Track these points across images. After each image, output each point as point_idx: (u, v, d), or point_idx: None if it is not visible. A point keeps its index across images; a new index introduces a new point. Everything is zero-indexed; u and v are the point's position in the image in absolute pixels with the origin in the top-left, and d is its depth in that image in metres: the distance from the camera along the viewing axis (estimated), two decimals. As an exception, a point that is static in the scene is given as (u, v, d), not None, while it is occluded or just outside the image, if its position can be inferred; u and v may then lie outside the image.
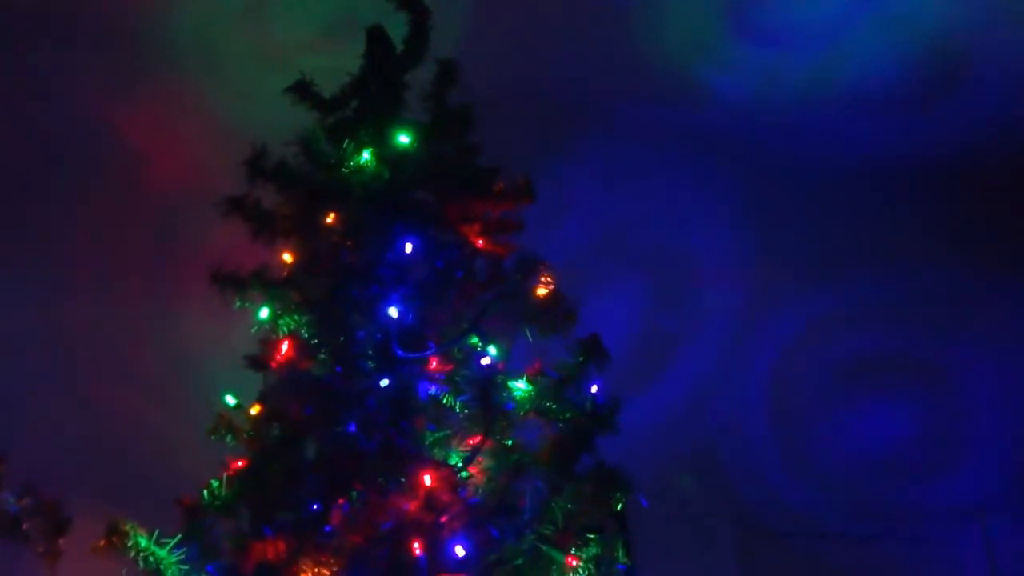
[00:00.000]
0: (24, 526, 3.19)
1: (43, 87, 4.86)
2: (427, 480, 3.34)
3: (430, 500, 3.27)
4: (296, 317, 3.67)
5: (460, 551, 3.22)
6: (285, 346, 3.66)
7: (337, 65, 3.92)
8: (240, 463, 3.50)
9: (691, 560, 3.44)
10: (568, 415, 3.50)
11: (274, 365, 3.67)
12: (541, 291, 3.63)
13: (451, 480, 3.29)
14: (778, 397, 4.78)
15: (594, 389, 3.57)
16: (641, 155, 4.97)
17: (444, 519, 3.27)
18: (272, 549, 3.40)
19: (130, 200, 4.95)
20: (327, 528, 3.41)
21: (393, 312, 3.58)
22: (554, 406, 3.53)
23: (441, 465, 3.37)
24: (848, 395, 4.97)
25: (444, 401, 3.66)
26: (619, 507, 3.42)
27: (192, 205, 4.89)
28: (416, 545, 3.22)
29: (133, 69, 4.95)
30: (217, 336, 4.46)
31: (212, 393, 4.61)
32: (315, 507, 3.41)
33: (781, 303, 4.90)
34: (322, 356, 3.61)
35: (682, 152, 4.98)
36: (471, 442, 3.52)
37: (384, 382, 3.46)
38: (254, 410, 3.48)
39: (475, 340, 3.62)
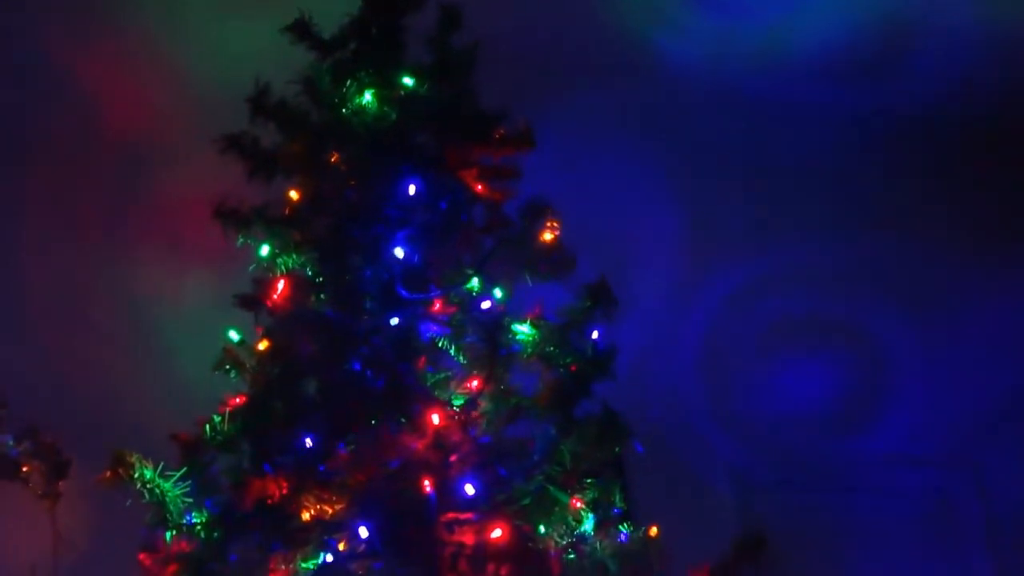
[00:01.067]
0: (24, 469, 3.12)
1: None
2: (435, 419, 3.33)
3: (439, 439, 3.26)
4: (295, 256, 3.63)
5: (470, 490, 3.22)
6: (281, 285, 3.61)
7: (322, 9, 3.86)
8: (239, 399, 3.45)
9: (688, 505, 3.47)
10: (568, 360, 3.50)
11: (269, 304, 3.62)
12: (547, 236, 3.64)
13: (461, 419, 3.28)
14: (713, 360, 4.83)
15: (595, 335, 3.58)
16: (582, 121, 4.98)
17: (453, 458, 3.26)
18: (272, 486, 3.36)
19: (88, 147, 4.81)
20: (330, 466, 3.36)
21: (399, 253, 3.55)
22: (555, 350, 3.53)
23: (448, 405, 3.36)
24: (780, 354, 5.04)
25: (442, 344, 3.63)
26: (617, 451, 3.45)
27: (154, 153, 4.84)
28: (426, 483, 3.20)
29: (89, 9, 4.82)
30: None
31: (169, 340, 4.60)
32: (318, 445, 3.35)
33: (717, 269, 4.97)
34: (322, 295, 3.57)
35: (625, 119, 5.00)
36: (469, 385, 3.51)
37: (394, 320, 3.43)
38: (262, 345, 3.42)
39: (477, 283, 3.60)
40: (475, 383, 3.54)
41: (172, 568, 3.42)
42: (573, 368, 3.50)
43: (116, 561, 3.36)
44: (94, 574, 3.22)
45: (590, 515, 3.19)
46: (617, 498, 3.41)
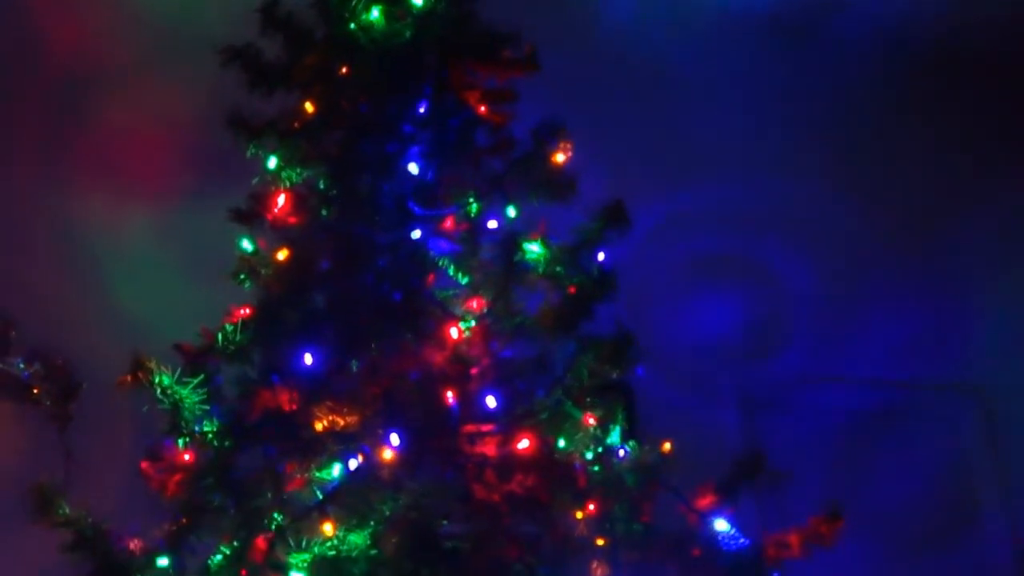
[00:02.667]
0: (34, 391, 3.10)
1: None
2: (453, 333, 3.37)
3: (459, 352, 3.30)
4: (300, 170, 3.63)
5: (491, 402, 3.27)
6: (282, 199, 3.61)
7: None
8: (245, 311, 3.44)
9: (693, 426, 3.55)
10: (575, 280, 3.55)
11: (270, 218, 3.62)
12: (559, 157, 3.67)
13: (482, 333, 3.32)
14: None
15: (600, 256, 3.63)
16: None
17: (474, 371, 3.30)
18: (281, 397, 3.37)
19: (26, 70, 4.72)
20: (344, 378, 3.38)
21: (413, 168, 3.57)
22: (562, 270, 3.57)
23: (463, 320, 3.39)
24: (690, 289, 5.12)
25: (442, 263, 3.66)
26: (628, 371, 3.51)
27: (92, 80, 4.76)
28: (449, 394, 3.24)
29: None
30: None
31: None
32: (331, 356, 3.37)
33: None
34: (325, 210, 3.57)
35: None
36: (470, 305, 3.54)
37: (416, 233, 3.46)
38: (281, 255, 3.42)
39: (488, 202, 3.63)
40: (475, 303, 3.56)
41: (177, 477, 3.40)
42: (573, 290, 3.52)
43: (126, 481, 3.33)
44: (105, 494, 3.20)
45: (616, 429, 3.23)
46: (620, 417, 3.46)
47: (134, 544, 3.17)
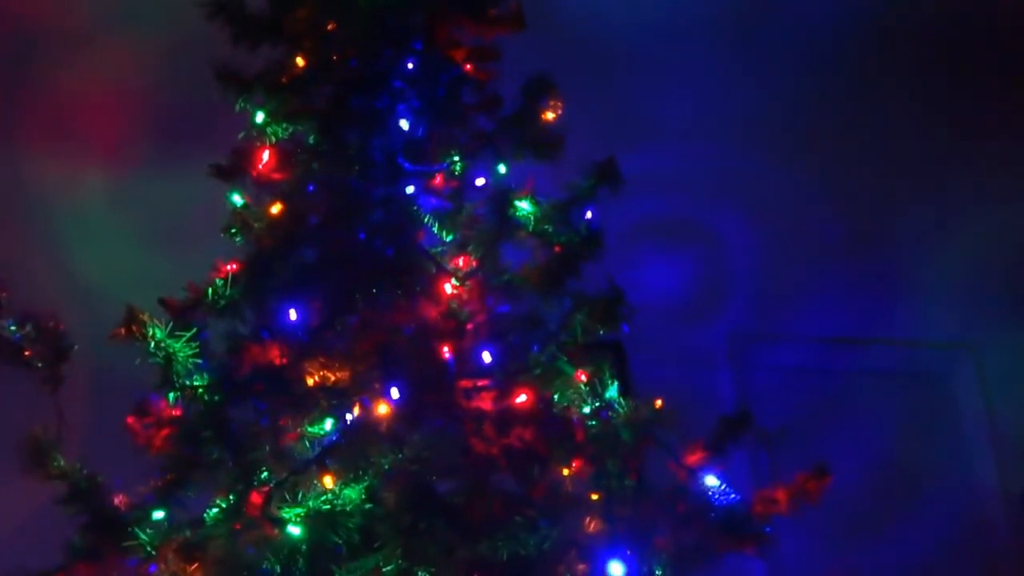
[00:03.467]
0: (26, 353, 3.07)
1: None
2: (448, 288, 3.37)
3: (454, 307, 3.30)
4: (286, 126, 3.61)
5: (487, 358, 3.27)
6: (267, 155, 3.59)
7: None
8: (232, 266, 3.43)
9: (685, 384, 3.59)
10: (563, 239, 3.56)
11: (254, 174, 3.60)
12: (549, 115, 3.68)
13: (478, 288, 3.33)
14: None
15: (588, 215, 3.64)
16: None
17: (470, 326, 3.31)
18: (272, 352, 3.36)
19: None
20: (335, 333, 3.37)
21: (404, 124, 3.56)
22: (551, 228, 3.58)
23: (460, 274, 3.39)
24: (678, 249, 5.16)
25: (427, 220, 3.65)
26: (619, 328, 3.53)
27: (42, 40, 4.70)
28: (445, 349, 3.24)
29: None
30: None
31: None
32: (323, 311, 3.36)
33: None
34: (314, 166, 3.55)
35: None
36: (456, 262, 3.55)
37: (410, 189, 3.45)
38: (275, 208, 3.40)
39: (465, 161, 3.63)
40: (461, 260, 3.56)
41: (164, 432, 3.38)
42: (558, 249, 3.53)
43: (118, 443, 3.31)
44: (97, 456, 3.18)
45: (615, 384, 3.25)
46: (607, 375, 3.48)
47: (124, 500, 3.13)
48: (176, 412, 3.35)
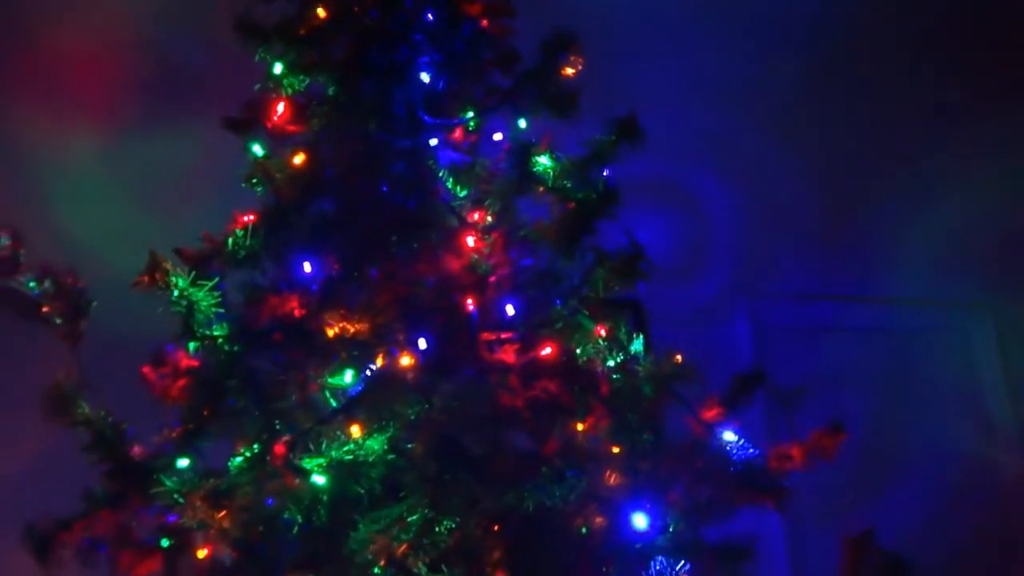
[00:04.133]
0: (44, 309, 3.06)
1: None
2: (470, 241, 3.37)
3: (477, 260, 3.31)
4: (302, 78, 3.59)
5: (510, 310, 3.29)
6: (282, 107, 3.58)
7: None
8: (250, 216, 3.42)
9: (704, 345, 3.59)
10: (580, 195, 3.56)
11: (269, 125, 3.59)
12: (569, 70, 3.67)
13: (502, 241, 3.33)
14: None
15: (605, 172, 3.64)
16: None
17: (492, 279, 3.31)
18: (291, 303, 3.35)
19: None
20: (356, 285, 3.37)
21: (425, 77, 3.55)
22: (569, 184, 3.59)
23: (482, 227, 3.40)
24: (701, 206, 5.16)
25: (442, 175, 3.65)
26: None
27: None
28: (469, 301, 3.25)
29: None
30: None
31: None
32: (343, 263, 3.36)
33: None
34: (316, 119, 3.54)
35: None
36: (474, 216, 3.55)
37: (433, 141, 3.44)
38: (298, 159, 3.39)
39: (483, 115, 3.63)
40: (476, 215, 3.57)
41: (181, 383, 3.38)
42: (571, 205, 3.53)
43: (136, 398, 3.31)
44: (116, 411, 3.18)
45: (640, 338, 3.27)
46: (622, 331, 3.49)
47: (141, 451, 3.13)
48: (193, 363, 3.33)
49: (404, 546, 2.82)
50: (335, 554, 3.05)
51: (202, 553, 2.97)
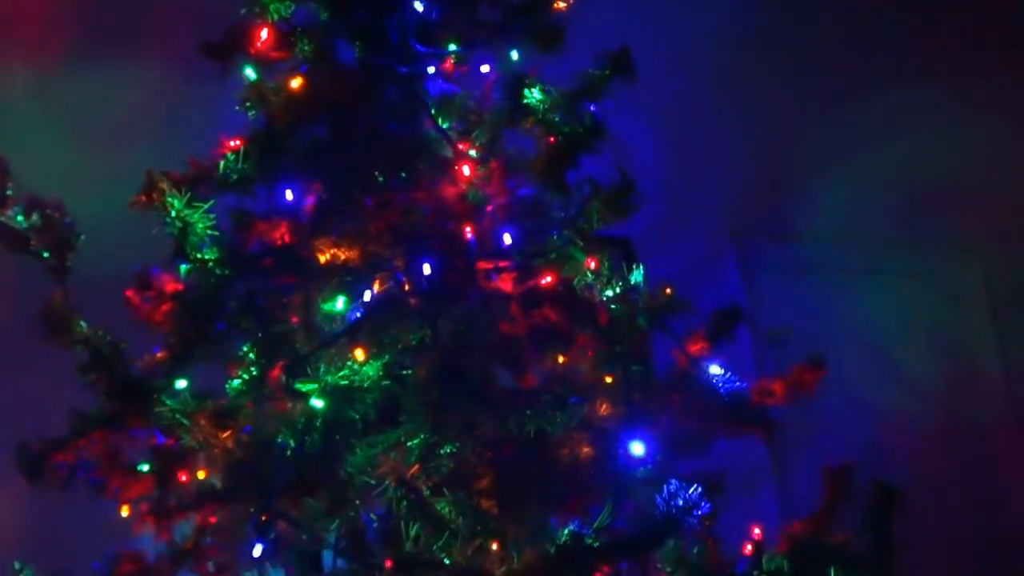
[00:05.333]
0: (32, 243, 3.02)
1: None
2: (466, 171, 3.38)
3: (474, 188, 3.32)
4: (288, 3, 3.56)
5: (508, 239, 3.30)
6: (265, 33, 3.55)
7: None
8: (236, 142, 3.39)
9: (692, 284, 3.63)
10: (567, 129, 3.58)
11: (252, 52, 3.56)
12: (560, 4, 3.68)
13: (500, 171, 3.34)
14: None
15: (592, 107, 3.66)
16: None
17: (489, 208, 3.33)
18: (281, 228, 3.34)
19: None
20: (349, 212, 3.36)
21: (418, 6, 3.54)
22: (558, 118, 3.60)
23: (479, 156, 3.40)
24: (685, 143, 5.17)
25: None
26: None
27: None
28: (467, 229, 3.26)
29: None
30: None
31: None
32: (336, 189, 3.35)
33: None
34: (306, 44, 3.52)
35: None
36: (460, 147, 3.56)
37: (431, 69, 3.44)
38: (295, 83, 3.36)
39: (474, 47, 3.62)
40: (461, 146, 3.57)
41: (165, 307, 3.35)
42: (552, 140, 3.55)
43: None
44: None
45: (640, 269, 3.30)
46: (605, 265, 3.52)
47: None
48: (177, 287, 3.30)
49: (415, 467, 2.82)
50: (327, 478, 3.04)
51: (202, 474, 2.93)
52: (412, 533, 2.74)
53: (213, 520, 3.08)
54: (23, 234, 3.13)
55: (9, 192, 3.13)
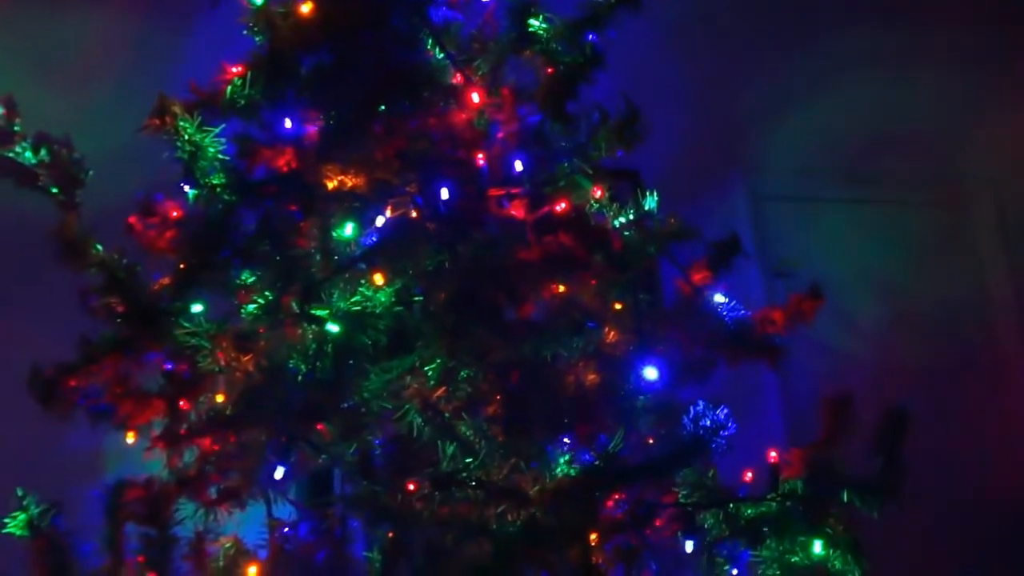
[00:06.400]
0: (41, 178, 3.00)
1: None
2: (475, 97, 3.38)
3: (484, 115, 3.32)
4: None
5: (519, 166, 3.31)
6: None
7: None
8: (237, 68, 3.36)
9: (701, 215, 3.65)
10: (567, 59, 3.58)
11: None
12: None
13: (512, 97, 3.34)
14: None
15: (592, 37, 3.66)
16: None
17: (500, 135, 3.33)
18: (286, 154, 3.33)
19: None
20: (356, 138, 3.35)
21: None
22: (559, 48, 3.60)
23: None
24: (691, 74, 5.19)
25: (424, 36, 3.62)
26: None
27: None
28: (480, 156, 3.27)
29: None
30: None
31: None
32: (343, 113, 3.33)
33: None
34: None
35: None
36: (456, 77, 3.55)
37: (440, -9, 3.41)
38: (305, 7, 3.32)
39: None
40: (458, 76, 3.56)
41: (169, 234, 3.33)
42: (551, 71, 3.55)
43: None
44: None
45: (654, 195, 3.32)
46: (607, 197, 3.54)
47: None
48: (179, 213, 3.28)
49: (440, 389, 2.83)
50: (338, 404, 3.05)
51: (220, 398, 2.92)
52: (449, 452, 2.73)
53: (222, 446, 3.05)
54: (31, 170, 3.09)
55: (17, 128, 3.08)
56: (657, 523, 2.94)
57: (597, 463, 2.72)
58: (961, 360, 5.26)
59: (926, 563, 4.62)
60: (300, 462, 2.99)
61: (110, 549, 2.97)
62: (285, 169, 3.31)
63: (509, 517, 2.70)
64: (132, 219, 3.33)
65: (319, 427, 2.94)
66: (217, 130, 3.14)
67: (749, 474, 3.27)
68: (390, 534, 2.88)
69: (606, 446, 2.88)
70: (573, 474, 2.75)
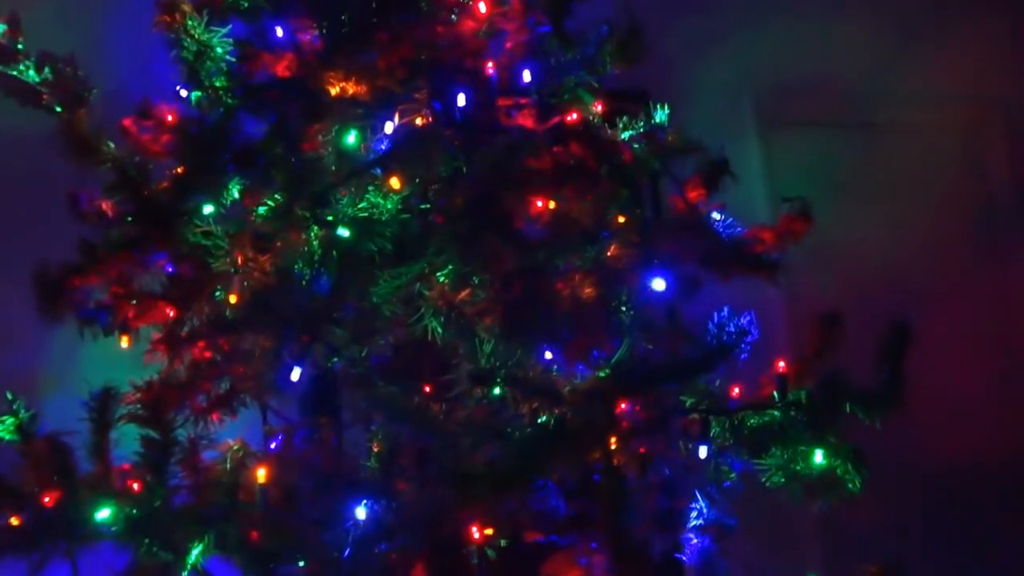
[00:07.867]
0: (44, 97, 2.95)
1: None
2: (482, 7, 3.37)
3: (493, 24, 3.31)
4: None
5: (527, 76, 3.32)
6: None
7: None
8: None
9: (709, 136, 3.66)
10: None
11: None
12: None
13: (521, 6, 3.34)
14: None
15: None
16: None
17: (509, 45, 3.33)
18: (286, 59, 3.30)
19: None
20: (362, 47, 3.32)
21: None
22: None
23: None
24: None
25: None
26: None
27: None
28: (489, 65, 3.27)
29: None
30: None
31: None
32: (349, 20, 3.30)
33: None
34: None
35: None
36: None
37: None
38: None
39: None
40: None
41: (165, 139, 3.29)
42: None
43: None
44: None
45: (665, 108, 3.34)
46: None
47: None
48: (174, 118, 3.24)
49: (465, 291, 2.83)
50: (345, 308, 3.04)
51: (234, 299, 2.90)
52: (487, 350, 2.74)
53: (229, 347, 3.03)
54: (35, 88, 3.03)
55: (20, 46, 3.02)
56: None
57: (626, 366, 2.73)
58: (973, 284, 5.32)
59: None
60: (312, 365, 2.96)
61: (96, 456, 2.91)
62: (286, 74, 3.25)
63: (541, 416, 2.71)
64: (127, 122, 3.26)
65: (328, 330, 2.91)
66: (225, 30, 3.05)
67: (736, 389, 3.30)
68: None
69: (617, 354, 2.89)
70: (602, 376, 2.76)
